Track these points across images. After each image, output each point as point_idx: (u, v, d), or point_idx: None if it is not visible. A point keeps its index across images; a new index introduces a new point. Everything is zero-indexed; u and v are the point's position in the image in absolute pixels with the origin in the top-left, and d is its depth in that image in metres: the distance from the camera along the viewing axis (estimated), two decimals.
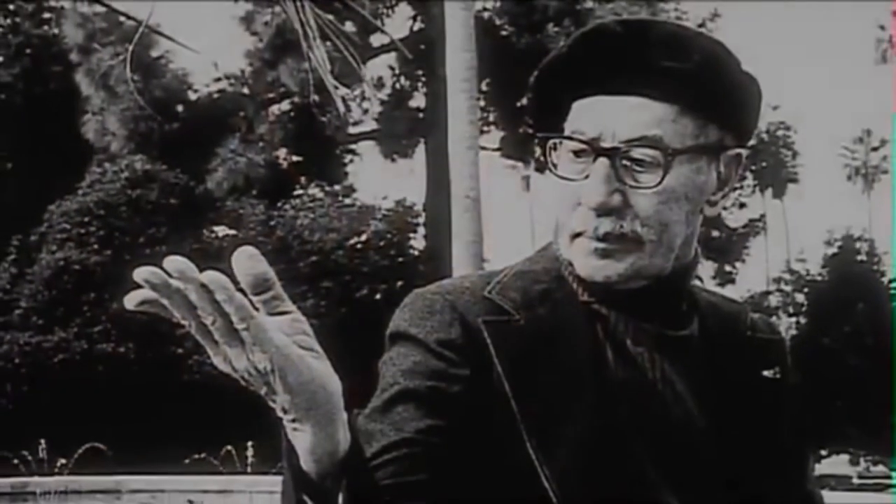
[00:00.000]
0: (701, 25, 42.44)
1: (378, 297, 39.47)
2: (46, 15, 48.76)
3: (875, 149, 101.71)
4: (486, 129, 43.16)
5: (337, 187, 46.69)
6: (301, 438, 1.55)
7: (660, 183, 1.86)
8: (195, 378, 37.09)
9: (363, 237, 42.41)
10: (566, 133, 1.92)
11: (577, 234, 1.90)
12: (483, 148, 26.90)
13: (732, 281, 63.75)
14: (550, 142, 1.94)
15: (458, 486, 1.77)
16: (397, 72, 47.54)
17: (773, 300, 64.70)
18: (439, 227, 32.14)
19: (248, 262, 1.43)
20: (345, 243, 41.61)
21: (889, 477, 48.77)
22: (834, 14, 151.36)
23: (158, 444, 32.00)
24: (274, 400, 1.51)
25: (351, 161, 51.16)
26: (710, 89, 1.89)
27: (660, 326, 1.95)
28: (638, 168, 1.86)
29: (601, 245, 1.88)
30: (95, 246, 40.40)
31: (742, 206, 67.28)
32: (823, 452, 49.18)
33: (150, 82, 38.58)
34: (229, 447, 23.55)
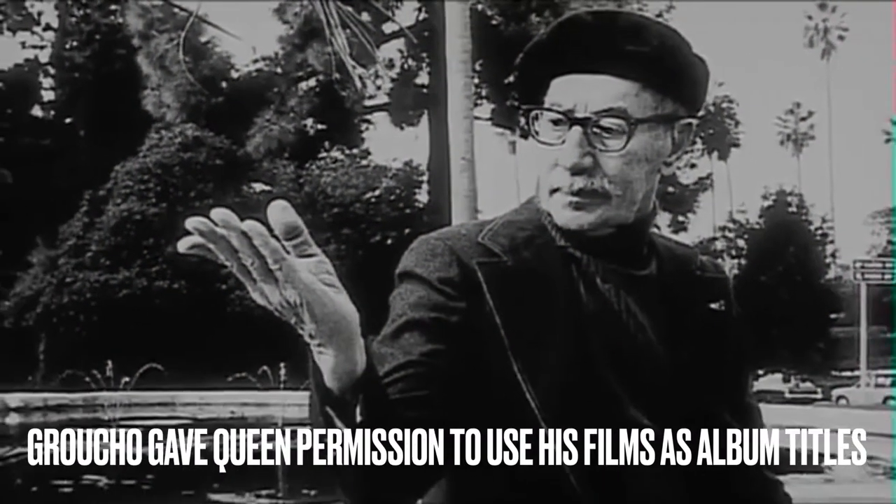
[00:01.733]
0: (659, 15, 42.34)
1: (389, 242, 39.51)
2: (112, 6, 48.64)
3: (803, 119, 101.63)
4: (479, 102, 43.13)
5: (355, 151, 46.78)
6: (325, 360, 1.55)
7: (624, 147, 1.85)
8: (236, 310, 37.22)
9: (377, 192, 42.46)
10: (546, 105, 1.91)
11: (555, 190, 1.90)
12: (477, 118, 26.81)
13: (685, 229, 63.94)
14: (533, 113, 1.93)
15: (456, 401, 1.77)
16: (405, 54, 47.51)
17: (719, 245, 64.84)
18: (440, 184, 32.17)
19: (281, 213, 1.43)
20: (361, 197, 41.65)
21: (815, 392, 48.93)
22: (770, 8, 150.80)
23: (206, 364, 32.15)
24: (302, 328, 1.51)
25: (366, 129, 51.21)
26: (667, 69, 1.88)
27: (624, 267, 1.94)
28: (606, 135, 1.86)
29: (575, 199, 1.88)
30: (153, 200, 40.45)
31: (693, 166, 67.37)
32: (760, 372, 49.29)
33: (199, 63, 38.37)
34: (265, 367, 23.60)
